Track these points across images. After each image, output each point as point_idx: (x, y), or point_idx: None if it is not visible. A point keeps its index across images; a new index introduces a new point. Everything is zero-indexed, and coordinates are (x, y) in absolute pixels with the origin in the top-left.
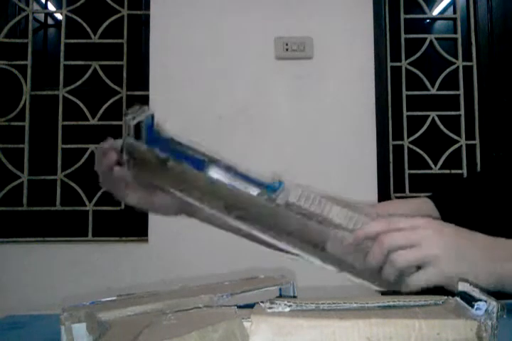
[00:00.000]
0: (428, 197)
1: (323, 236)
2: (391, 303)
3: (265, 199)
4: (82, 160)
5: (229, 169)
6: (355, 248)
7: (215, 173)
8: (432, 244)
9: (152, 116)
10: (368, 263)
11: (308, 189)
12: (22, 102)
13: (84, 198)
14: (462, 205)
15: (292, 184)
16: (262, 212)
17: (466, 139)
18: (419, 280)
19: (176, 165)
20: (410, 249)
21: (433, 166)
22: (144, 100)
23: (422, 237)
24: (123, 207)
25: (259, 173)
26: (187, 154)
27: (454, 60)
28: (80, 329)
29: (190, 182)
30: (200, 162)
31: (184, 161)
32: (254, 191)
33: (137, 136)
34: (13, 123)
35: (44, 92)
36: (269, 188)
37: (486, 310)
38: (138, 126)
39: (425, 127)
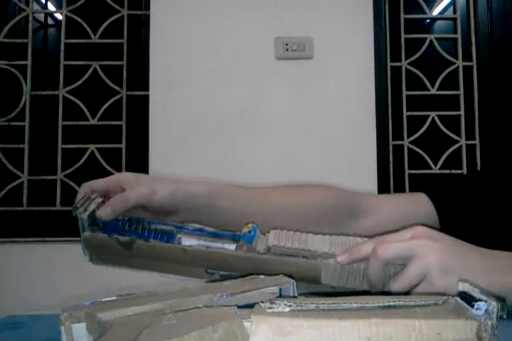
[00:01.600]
0: (426, 193)
1: (314, 270)
2: (391, 303)
3: (245, 251)
4: (82, 160)
5: (198, 232)
6: (350, 272)
7: (186, 241)
8: (427, 253)
9: (103, 202)
10: (368, 280)
11: (283, 228)
12: (22, 102)
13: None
14: (460, 202)
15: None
16: (245, 264)
17: (466, 139)
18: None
19: (143, 244)
20: (407, 259)
21: (433, 166)
22: (144, 100)
23: (417, 247)
24: None
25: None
26: (150, 230)
27: (454, 60)
28: (80, 329)
29: (164, 258)
30: (168, 233)
31: (151, 237)
32: (231, 246)
33: (93, 226)
34: (13, 123)
35: (44, 92)
36: (245, 238)
37: (486, 310)
38: (91, 216)
39: (425, 127)
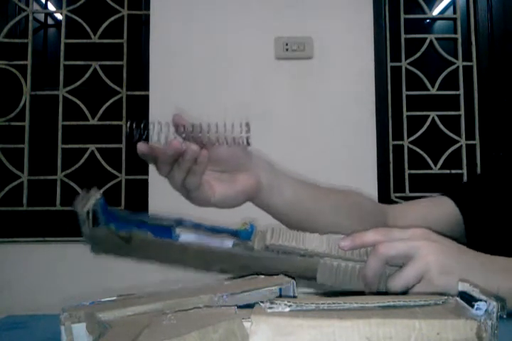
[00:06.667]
0: (448, 196)
1: (310, 268)
2: (391, 303)
3: (242, 249)
4: (82, 160)
5: (197, 227)
6: (346, 272)
7: (184, 237)
8: (428, 253)
9: (102, 197)
10: (364, 279)
11: (280, 226)
12: (22, 102)
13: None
14: (483, 204)
15: (264, 226)
16: (243, 261)
17: (466, 139)
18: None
19: (142, 240)
20: (406, 259)
21: (433, 166)
22: (144, 100)
23: (419, 247)
24: (123, 207)
25: (227, 223)
26: (149, 224)
27: (454, 60)
28: (79, 329)
29: (161, 252)
30: (166, 229)
31: (149, 233)
32: (229, 243)
33: (93, 221)
34: (13, 123)
35: (44, 92)
36: (243, 235)
37: (486, 310)
38: (91, 212)
39: (425, 127)
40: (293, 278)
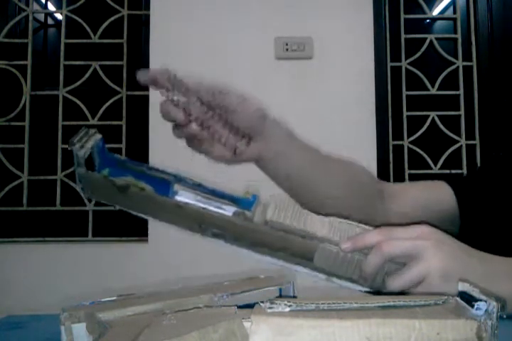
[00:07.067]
0: (446, 181)
1: (308, 249)
2: (391, 303)
3: (242, 219)
4: None
5: (196, 187)
6: (344, 259)
7: (182, 195)
8: (431, 256)
9: (101, 139)
10: (363, 272)
11: (283, 201)
12: (22, 102)
13: (84, 198)
14: (480, 192)
15: (267, 197)
16: (239, 231)
17: (466, 139)
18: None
19: (138, 192)
20: (409, 259)
21: (433, 166)
22: (144, 100)
23: (423, 248)
24: None
25: (229, 187)
26: (148, 175)
27: (454, 60)
28: (79, 329)
29: (156, 208)
30: (164, 183)
31: (146, 185)
32: (228, 209)
33: (89, 163)
34: (13, 123)
35: (44, 92)
36: (243, 204)
37: (486, 310)
38: (88, 154)
39: (425, 127)
40: (289, 254)
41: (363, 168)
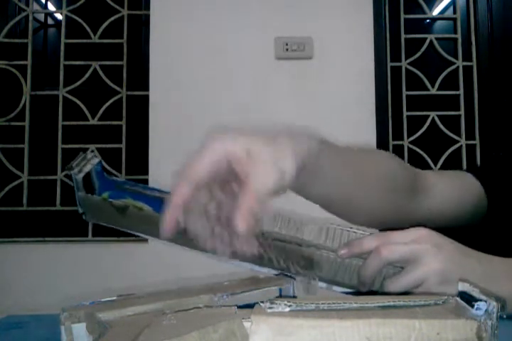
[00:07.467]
0: (472, 173)
1: (306, 258)
2: (391, 303)
3: None
4: None
5: None
6: (342, 266)
7: None
8: (430, 261)
9: (99, 163)
10: (360, 277)
11: (277, 210)
12: (22, 102)
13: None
14: (507, 182)
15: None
16: None
17: (466, 139)
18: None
19: (136, 212)
20: (407, 263)
21: (433, 166)
22: (144, 100)
23: (421, 252)
24: None
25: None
26: (145, 195)
27: (454, 60)
28: (79, 329)
29: (155, 226)
30: (161, 202)
31: (144, 204)
32: None
33: (88, 187)
34: (13, 123)
35: (44, 92)
36: None
37: (486, 310)
38: (87, 177)
39: (425, 127)
40: (288, 263)
41: (394, 159)
